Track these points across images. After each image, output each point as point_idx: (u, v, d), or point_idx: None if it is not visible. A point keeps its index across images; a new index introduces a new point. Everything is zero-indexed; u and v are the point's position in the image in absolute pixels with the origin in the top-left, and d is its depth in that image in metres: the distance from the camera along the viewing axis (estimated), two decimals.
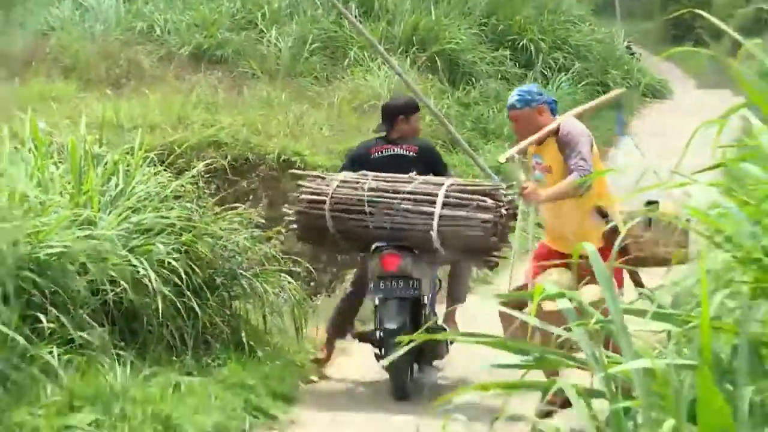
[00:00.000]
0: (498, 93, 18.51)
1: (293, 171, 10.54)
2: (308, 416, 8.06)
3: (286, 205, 9.41)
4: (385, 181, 8.70)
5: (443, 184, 8.57)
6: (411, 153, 9.09)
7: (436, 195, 8.45)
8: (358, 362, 9.40)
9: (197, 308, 8.30)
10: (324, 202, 8.74)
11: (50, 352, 7.02)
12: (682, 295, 3.28)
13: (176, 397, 7.33)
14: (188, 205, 8.87)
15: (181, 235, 8.46)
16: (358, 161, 9.19)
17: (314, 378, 9.21)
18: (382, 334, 8.52)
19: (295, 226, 9.09)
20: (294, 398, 8.50)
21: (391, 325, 8.43)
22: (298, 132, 14.58)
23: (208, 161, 11.16)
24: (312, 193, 8.91)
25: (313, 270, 11.14)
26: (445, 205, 8.39)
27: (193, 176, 9.50)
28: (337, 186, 8.80)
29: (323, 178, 9.09)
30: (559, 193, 7.37)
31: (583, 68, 21.32)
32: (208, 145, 13.43)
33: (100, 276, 7.61)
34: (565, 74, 20.66)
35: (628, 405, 2.67)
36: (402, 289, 8.47)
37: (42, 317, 7.18)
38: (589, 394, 2.85)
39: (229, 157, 13.63)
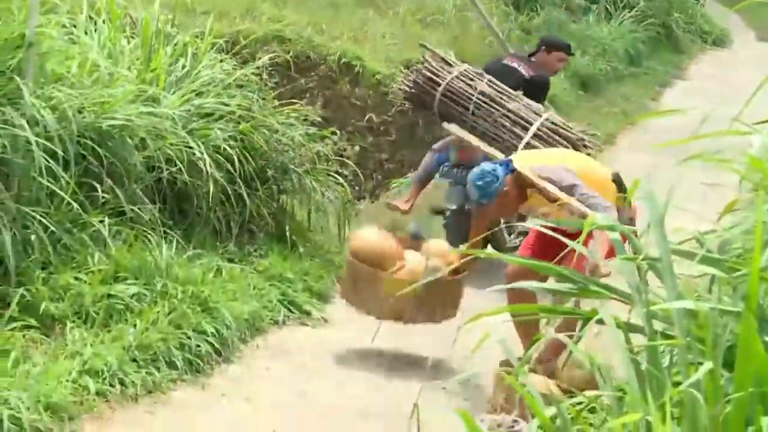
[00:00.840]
0: (561, 23, 18.35)
1: (423, 43, 10.71)
2: (340, 316, 8.12)
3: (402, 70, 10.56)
4: (495, 89, 9.17)
5: (542, 116, 9.01)
6: (526, 74, 9.69)
7: (532, 123, 8.90)
8: None
9: (246, 197, 8.39)
10: (439, 84, 9.30)
11: (101, 221, 7.13)
12: (731, 242, 3.30)
13: (216, 281, 7.43)
14: (249, 94, 8.92)
15: (239, 123, 8.52)
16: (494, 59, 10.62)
17: None
18: (447, 212, 9.26)
19: (405, 87, 9.71)
20: (329, 297, 8.56)
21: (452, 206, 9.12)
22: (361, 37, 14.48)
23: (271, 54, 11.20)
24: (432, 73, 9.44)
25: (360, 174, 11.16)
26: (534, 135, 8.80)
27: (257, 67, 9.55)
28: (455, 76, 9.32)
29: (449, 64, 9.57)
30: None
31: (647, 7, 21.02)
32: (273, 38, 13.37)
33: (158, 153, 7.71)
34: (629, 11, 20.40)
35: (667, 343, 2.70)
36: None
37: (97, 186, 7.27)
38: (628, 327, 2.87)
39: (291, 53, 13.59)
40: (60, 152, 6.85)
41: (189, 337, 6.64)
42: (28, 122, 6.68)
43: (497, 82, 9.27)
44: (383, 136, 14.24)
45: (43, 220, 6.75)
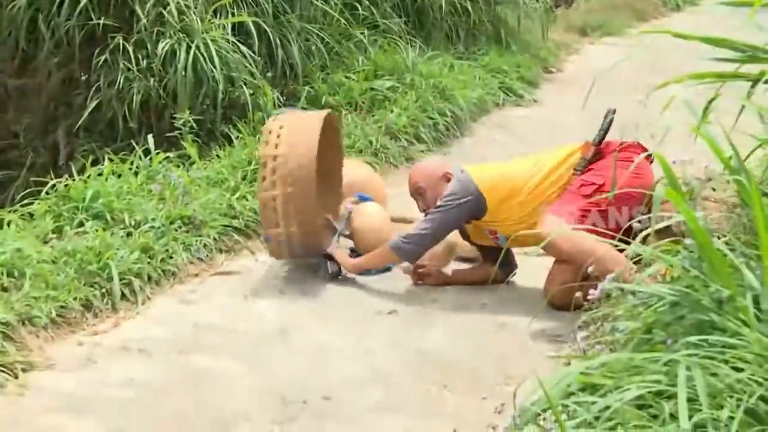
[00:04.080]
0: None
1: None
2: (548, 98, 8.09)
3: None
4: None
5: None
6: None
7: None
8: None
9: (470, 8, 8.33)
10: None
11: (362, 33, 7.20)
12: None
13: (451, 74, 7.42)
14: None
15: None
16: None
17: (553, 69, 9.21)
18: None
19: None
20: (537, 83, 8.52)
21: None
22: None
23: None
24: None
25: None
26: None
27: None
28: None
29: None
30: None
31: None
32: None
33: None
34: None
35: None
36: None
37: (357, 6, 7.31)
38: None
39: None
40: None
41: (432, 118, 6.69)
42: None
43: None
44: None
45: (320, 33, 6.87)
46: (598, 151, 3.98)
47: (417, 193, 4.37)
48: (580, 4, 11.81)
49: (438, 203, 4.14)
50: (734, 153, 2.40)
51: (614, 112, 4.00)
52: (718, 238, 2.32)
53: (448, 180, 4.26)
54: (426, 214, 4.22)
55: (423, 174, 4.40)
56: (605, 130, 3.99)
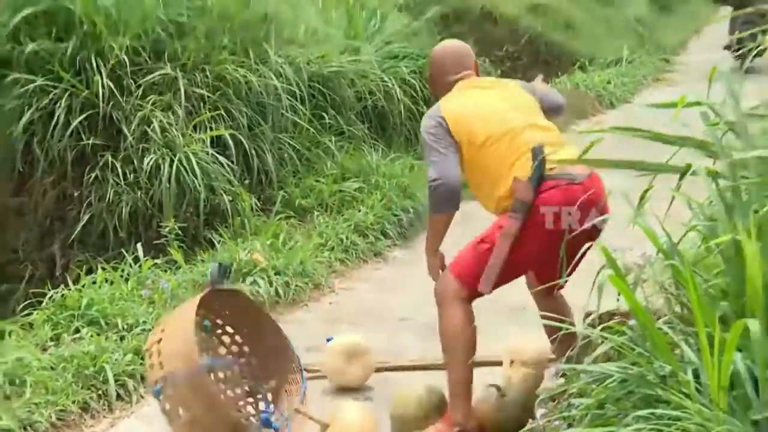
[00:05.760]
0: None
1: None
2: None
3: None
4: None
5: None
6: None
7: None
8: None
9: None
10: None
11: (330, 140, 7.29)
12: None
13: (411, 174, 7.46)
14: (424, 39, 8.90)
15: (417, 60, 8.52)
16: None
17: None
18: None
19: None
20: None
21: None
22: None
23: (435, 8, 11.13)
24: None
25: None
26: None
27: (426, 20, 9.50)
28: None
29: None
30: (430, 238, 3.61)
31: None
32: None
33: (363, 88, 7.80)
34: None
35: (746, 182, 2.62)
36: None
37: (324, 115, 7.42)
38: (715, 174, 2.78)
39: (446, 9, 13.44)
40: (297, 93, 7.01)
41: (396, 215, 6.68)
42: (274, 74, 6.84)
43: None
44: (516, 61, 14.07)
45: (291, 142, 6.95)
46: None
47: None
48: None
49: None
50: (668, 239, 2.46)
51: (541, 149, 3.29)
52: (658, 318, 2.36)
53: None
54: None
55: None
56: (539, 169, 3.28)
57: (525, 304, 3.91)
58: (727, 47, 12.23)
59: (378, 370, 4.19)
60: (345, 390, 4.06)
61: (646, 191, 2.96)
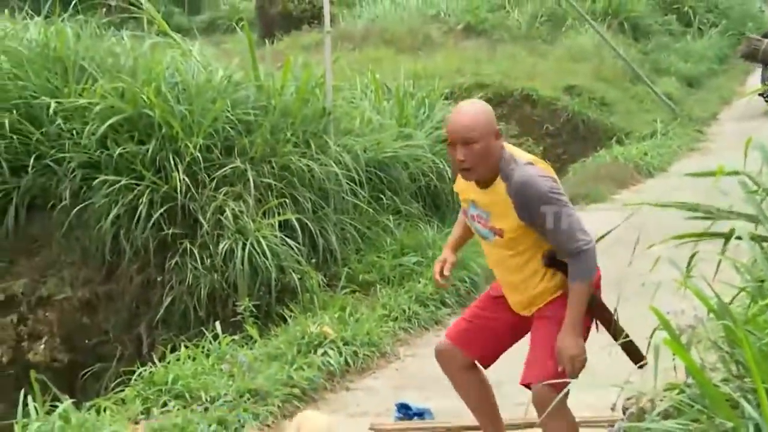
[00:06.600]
0: (667, 44, 17.55)
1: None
2: None
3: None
4: None
5: None
6: None
7: None
8: None
9: None
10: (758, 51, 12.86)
11: (388, 219, 7.31)
12: None
13: (468, 248, 7.44)
14: None
15: None
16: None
17: None
18: None
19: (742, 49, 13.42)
20: None
21: None
22: (533, 75, 14.33)
23: (480, 95, 11.24)
24: (752, 47, 13.00)
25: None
26: None
27: None
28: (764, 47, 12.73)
29: (759, 40, 12.98)
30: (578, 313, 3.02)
31: (728, 22, 19.79)
32: (476, 85, 13.38)
33: (416, 171, 7.84)
34: (716, 28, 19.27)
35: None
36: None
37: (382, 196, 7.48)
38: (760, 238, 2.74)
39: (490, 92, 13.56)
40: (356, 178, 7.09)
41: (454, 285, 6.54)
42: (334, 162, 6.93)
43: None
44: (556, 138, 14.10)
45: (352, 222, 7.00)
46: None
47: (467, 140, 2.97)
48: (569, 177, 12.00)
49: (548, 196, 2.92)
50: (718, 300, 2.42)
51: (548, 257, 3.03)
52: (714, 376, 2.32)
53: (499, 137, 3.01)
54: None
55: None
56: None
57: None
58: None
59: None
60: None
61: (692, 256, 2.93)
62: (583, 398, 3.94)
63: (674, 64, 16.33)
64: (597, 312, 3.06)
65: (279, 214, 6.39)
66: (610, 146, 12.40)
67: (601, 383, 3.08)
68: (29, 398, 3.95)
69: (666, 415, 2.42)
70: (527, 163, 2.98)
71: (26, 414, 3.92)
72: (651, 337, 2.49)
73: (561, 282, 3.05)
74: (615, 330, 3.04)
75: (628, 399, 2.87)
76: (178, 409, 4.28)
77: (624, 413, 2.71)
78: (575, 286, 2.95)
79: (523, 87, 13.80)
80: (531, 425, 3.72)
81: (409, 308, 6.16)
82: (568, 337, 2.92)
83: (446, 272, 3.31)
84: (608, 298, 3.13)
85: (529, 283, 3.09)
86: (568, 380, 2.88)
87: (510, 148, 3.05)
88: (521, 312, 3.15)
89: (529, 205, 2.91)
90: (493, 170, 2.99)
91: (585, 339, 3.04)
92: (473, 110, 3.02)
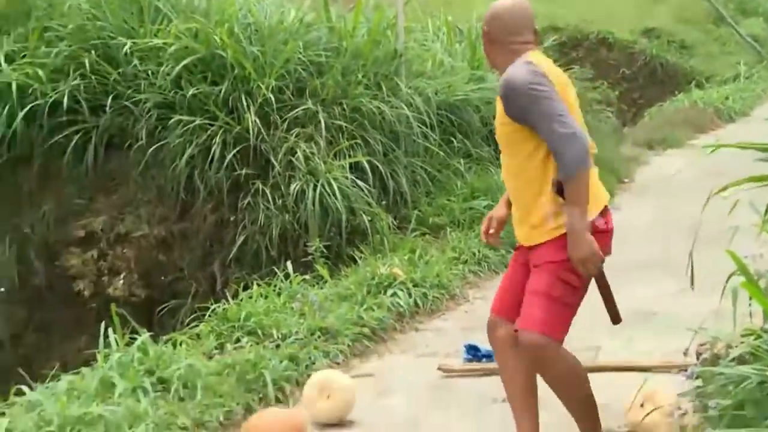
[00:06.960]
0: None
1: None
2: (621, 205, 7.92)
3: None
4: None
5: None
6: None
7: None
8: None
9: None
10: None
11: (458, 162, 7.29)
12: None
13: None
14: None
15: None
16: None
17: (626, 179, 9.02)
18: None
19: None
20: (613, 192, 8.15)
21: None
22: (610, 18, 13.98)
23: (553, 38, 11.02)
24: None
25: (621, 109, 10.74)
26: None
27: (545, 48, 9.37)
28: None
29: None
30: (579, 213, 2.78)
31: None
32: (551, 28, 13.11)
33: (487, 113, 7.75)
34: None
35: None
36: None
37: (453, 139, 7.44)
38: None
39: (564, 36, 13.30)
40: (427, 121, 7.05)
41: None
42: (405, 104, 6.90)
43: None
44: (632, 82, 13.77)
45: (423, 165, 6.99)
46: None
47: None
48: (645, 122, 11.76)
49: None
50: None
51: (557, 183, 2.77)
52: None
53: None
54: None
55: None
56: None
57: (654, 309, 3.78)
58: None
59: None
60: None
61: None
62: (655, 343, 3.91)
63: (762, 4, 15.72)
64: (599, 287, 2.92)
65: (350, 156, 6.41)
66: (689, 90, 12.10)
67: (675, 328, 3.06)
68: (110, 330, 4.09)
69: (741, 361, 2.38)
70: (525, 61, 2.81)
71: (107, 345, 4.05)
72: (727, 281, 2.44)
73: (556, 222, 2.83)
74: (613, 309, 2.93)
75: (702, 344, 2.83)
76: (251, 345, 4.37)
77: (698, 358, 2.67)
78: (567, 181, 2.71)
79: (599, 30, 13.51)
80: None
81: (479, 251, 6.15)
82: (574, 242, 2.75)
83: (492, 230, 3.17)
84: (685, 244, 3.07)
85: (525, 194, 2.90)
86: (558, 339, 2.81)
87: (534, 53, 2.88)
88: (524, 243, 2.99)
89: (508, 99, 2.78)
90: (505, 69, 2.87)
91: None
92: (497, 7, 2.97)
